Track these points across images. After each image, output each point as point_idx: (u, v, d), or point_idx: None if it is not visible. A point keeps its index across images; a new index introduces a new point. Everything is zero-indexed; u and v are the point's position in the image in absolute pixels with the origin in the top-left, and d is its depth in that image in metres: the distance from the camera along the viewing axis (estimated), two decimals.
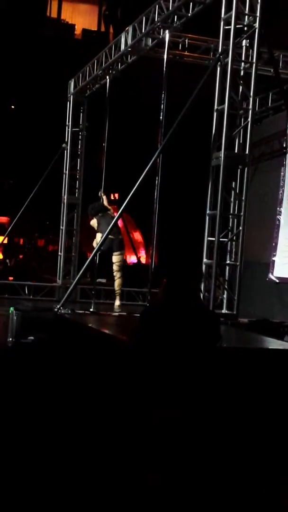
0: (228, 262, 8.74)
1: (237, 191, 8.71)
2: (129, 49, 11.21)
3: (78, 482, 4.70)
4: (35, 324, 8.87)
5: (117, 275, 11.20)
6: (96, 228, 11.17)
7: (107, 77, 12.21)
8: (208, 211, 8.78)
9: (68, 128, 14.13)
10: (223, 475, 4.41)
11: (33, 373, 7.25)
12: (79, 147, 14.20)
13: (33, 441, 5.40)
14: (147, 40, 10.87)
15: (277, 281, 12.80)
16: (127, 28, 11.09)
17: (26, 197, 13.91)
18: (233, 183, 8.73)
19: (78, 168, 14.20)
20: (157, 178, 9.79)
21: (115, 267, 11.15)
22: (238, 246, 8.65)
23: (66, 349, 8.04)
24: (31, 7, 21.04)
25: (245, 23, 8.51)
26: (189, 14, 9.62)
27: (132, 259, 22.03)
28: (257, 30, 8.43)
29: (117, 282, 11.24)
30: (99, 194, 11.54)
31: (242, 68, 8.69)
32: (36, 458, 5.11)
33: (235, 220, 8.72)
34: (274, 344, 7.35)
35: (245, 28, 8.51)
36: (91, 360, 7.01)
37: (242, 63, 8.68)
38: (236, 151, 8.68)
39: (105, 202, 11.45)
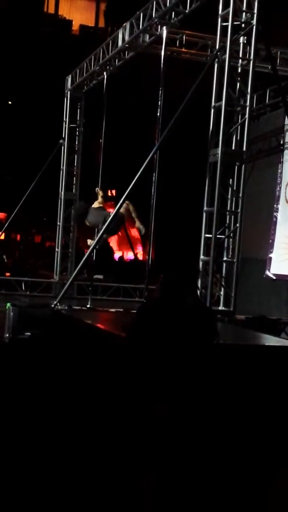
0: (225, 258, 8.75)
1: (234, 188, 8.71)
2: (127, 45, 11.19)
3: (74, 478, 4.71)
4: (31, 320, 8.86)
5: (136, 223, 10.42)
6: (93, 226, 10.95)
7: (105, 73, 12.19)
8: (205, 208, 8.79)
9: (65, 124, 14.12)
10: (221, 471, 4.42)
11: (30, 369, 7.25)
12: (76, 143, 14.19)
13: (30, 437, 5.41)
14: (144, 36, 10.86)
15: (274, 278, 12.83)
16: (124, 24, 11.07)
17: (23, 193, 13.90)
18: (230, 179, 8.73)
19: (75, 164, 14.20)
20: (154, 174, 9.77)
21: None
22: (235, 243, 8.65)
23: (62, 345, 8.04)
24: (29, 2, 21.00)
25: (243, 20, 8.50)
26: (187, 11, 9.60)
27: (129, 255, 22.04)
28: (254, 27, 8.43)
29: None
30: (96, 190, 11.50)
31: (239, 65, 8.69)
32: (31, 453, 5.12)
33: (232, 216, 8.73)
34: (271, 341, 7.37)
35: (243, 25, 8.50)
36: (87, 356, 7.01)
37: (240, 60, 8.68)
38: (233, 148, 8.68)
39: (100, 199, 11.27)
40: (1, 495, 4.47)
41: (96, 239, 10.14)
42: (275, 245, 12.87)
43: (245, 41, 8.63)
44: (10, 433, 5.50)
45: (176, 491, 3.62)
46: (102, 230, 9.96)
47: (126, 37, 11.01)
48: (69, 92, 14.09)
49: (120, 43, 11.29)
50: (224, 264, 8.79)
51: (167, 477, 3.61)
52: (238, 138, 8.67)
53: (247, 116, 8.60)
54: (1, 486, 4.59)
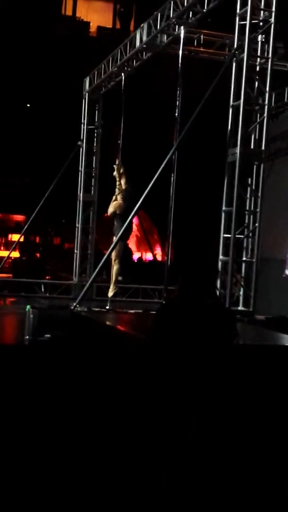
0: (244, 258, 8.71)
1: (253, 187, 8.67)
2: (144, 46, 11.18)
3: (95, 477, 4.70)
4: (51, 322, 8.88)
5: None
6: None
7: (122, 74, 12.19)
8: (224, 208, 8.75)
9: (84, 125, 14.15)
10: (240, 473, 4.38)
11: (50, 371, 7.26)
12: (95, 144, 14.22)
13: (50, 439, 5.41)
14: (162, 36, 10.85)
15: None
16: (142, 25, 11.07)
17: (42, 195, 13.94)
18: (249, 179, 8.69)
19: (93, 165, 14.21)
20: (172, 175, 9.75)
21: None
22: (254, 243, 8.61)
23: (82, 346, 8.05)
24: (46, 5, 21.06)
25: (261, 18, 8.46)
26: (204, 10, 9.58)
27: (148, 256, 22.02)
28: (272, 25, 8.38)
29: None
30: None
31: (257, 63, 8.65)
32: (52, 456, 5.12)
33: (251, 216, 8.68)
34: None
35: (261, 23, 8.47)
36: (107, 358, 7.00)
37: (258, 59, 8.64)
38: (252, 147, 8.64)
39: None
40: (20, 496, 4.47)
41: (111, 246, 10.23)
42: None
43: (263, 40, 8.60)
44: (32, 434, 5.51)
45: (192, 491, 3.60)
46: (118, 236, 10.08)
47: (144, 38, 11.00)
48: (87, 93, 14.11)
49: (137, 44, 11.28)
50: (244, 264, 8.75)
51: (184, 477, 3.58)
52: (257, 137, 8.62)
53: (265, 115, 8.55)
54: (22, 486, 4.59)
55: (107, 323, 8.64)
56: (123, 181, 11.11)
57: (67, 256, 17.52)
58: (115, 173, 11.23)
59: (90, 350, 7.72)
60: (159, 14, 10.40)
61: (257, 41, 8.61)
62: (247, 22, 8.27)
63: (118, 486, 4.56)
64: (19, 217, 22.99)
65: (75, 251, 14.40)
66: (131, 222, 10.54)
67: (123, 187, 11.06)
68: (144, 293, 13.35)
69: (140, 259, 21.93)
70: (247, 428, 4.79)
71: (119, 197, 11.04)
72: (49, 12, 21.03)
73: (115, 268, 10.86)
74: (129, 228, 10.83)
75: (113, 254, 10.67)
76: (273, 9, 8.38)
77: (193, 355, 3.62)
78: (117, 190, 11.12)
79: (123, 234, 10.45)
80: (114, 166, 11.32)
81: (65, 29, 20.96)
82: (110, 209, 10.94)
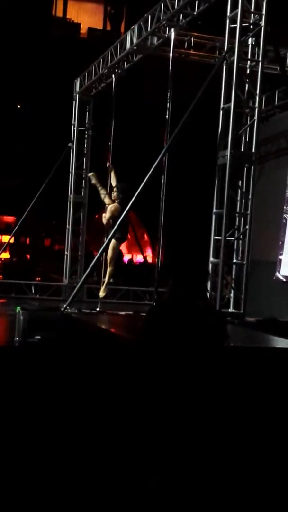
0: (235, 261, 8.74)
1: (244, 190, 8.70)
2: (135, 47, 11.20)
3: (81, 483, 4.70)
4: (41, 324, 8.86)
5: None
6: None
7: (113, 76, 12.20)
8: (214, 210, 8.77)
9: (74, 127, 14.15)
10: (231, 475, 4.40)
11: (40, 373, 7.25)
12: (85, 146, 14.22)
13: (39, 441, 5.40)
14: (152, 38, 10.87)
15: (284, 280, 12.77)
16: (132, 27, 11.08)
17: (32, 197, 13.93)
18: (240, 181, 8.72)
19: (84, 167, 14.21)
20: (163, 177, 9.77)
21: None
22: (245, 245, 8.64)
23: (73, 348, 8.04)
24: (37, 6, 21.03)
25: (251, 21, 8.50)
26: (195, 13, 9.60)
27: (138, 258, 22.03)
28: (263, 28, 8.42)
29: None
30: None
31: (248, 66, 8.69)
32: (40, 459, 5.11)
33: (242, 218, 8.71)
34: (281, 343, 7.34)
35: (251, 26, 8.50)
36: (97, 360, 7.00)
37: (248, 61, 8.68)
38: (242, 149, 8.66)
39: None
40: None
41: (102, 248, 10.21)
42: (285, 246, 12.81)
43: (253, 43, 8.64)
44: (22, 435, 5.50)
45: (186, 493, 3.60)
46: (111, 233, 10.03)
47: (134, 40, 11.02)
48: (77, 95, 14.11)
49: (128, 45, 11.30)
50: (234, 266, 8.77)
51: (178, 479, 3.59)
52: (247, 139, 8.65)
53: (256, 117, 8.59)
54: (16, 491, 4.58)
55: (98, 324, 8.64)
56: (114, 183, 11.05)
57: (58, 258, 17.50)
58: (93, 181, 11.04)
59: (81, 352, 7.71)
60: (149, 16, 10.41)
61: (248, 44, 8.65)
62: (238, 25, 8.30)
63: (110, 490, 4.56)
64: (9, 218, 22.94)
65: (66, 252, 14.40)
66: (126, 222, 10.48)
67: (114, 188, 11.00)
68: (134, 295, 13.35)
69: (130, 261, 21.93)
70: (238, 429, 4.80)
71: (107, 200, 10.96)
72: (39, 14, 21.01)
73: (109, 269, 10.78)
74: (125, 228, 10.72)
75: (109, 256, 10.61)
76: (264, 12, 8.41)
77: (183, 357, 3.63)
78: (102, 195, 11.00)
79: (121, 235, 10.41)
80: (89, 174, 11.21)
81: (55, 31, 20.96)
82: (107, 215, 10.71)
